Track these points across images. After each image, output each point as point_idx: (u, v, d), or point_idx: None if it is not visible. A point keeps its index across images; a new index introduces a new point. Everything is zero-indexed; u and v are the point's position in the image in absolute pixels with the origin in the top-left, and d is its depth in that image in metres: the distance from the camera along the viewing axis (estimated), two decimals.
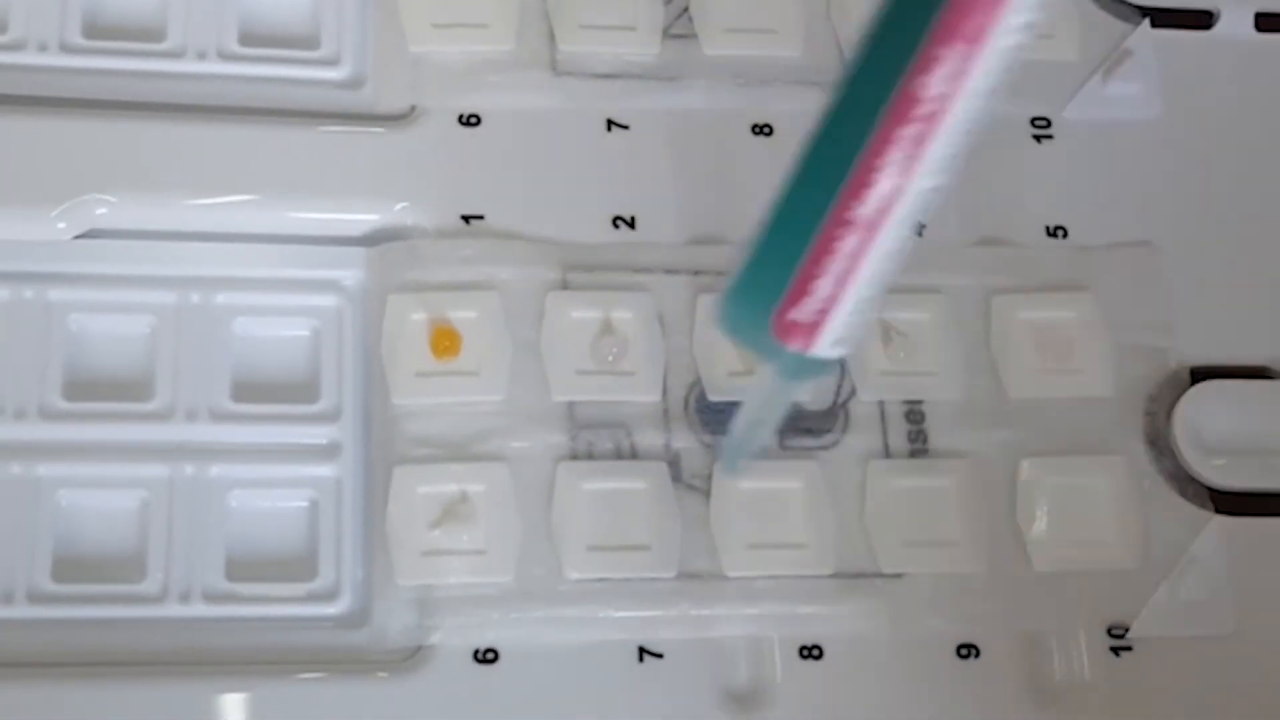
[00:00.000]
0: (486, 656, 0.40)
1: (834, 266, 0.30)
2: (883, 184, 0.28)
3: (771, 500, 0.42)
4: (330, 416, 0.42)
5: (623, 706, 0.40)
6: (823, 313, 0.30)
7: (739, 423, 0.36)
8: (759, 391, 0.34)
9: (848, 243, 0.29)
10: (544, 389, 0.43)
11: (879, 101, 0.27)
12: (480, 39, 0.46)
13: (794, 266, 0.30)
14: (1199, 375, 0.45)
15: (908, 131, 0.28)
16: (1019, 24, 0.27)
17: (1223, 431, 0.45)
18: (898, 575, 0.42)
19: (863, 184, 0.28)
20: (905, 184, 0.28)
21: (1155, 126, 0.48)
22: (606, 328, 0.43)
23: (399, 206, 0.44)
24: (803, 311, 0.30)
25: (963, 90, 0.27)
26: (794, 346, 0.31)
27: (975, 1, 0.26)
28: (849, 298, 0.30)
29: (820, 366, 0.31)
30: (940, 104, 0.27)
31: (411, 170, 0.45)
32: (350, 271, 0.44)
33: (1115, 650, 0.42)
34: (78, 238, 0.43)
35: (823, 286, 0.30)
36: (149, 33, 0.45)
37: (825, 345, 0.31)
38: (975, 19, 0.27)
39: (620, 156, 0.45)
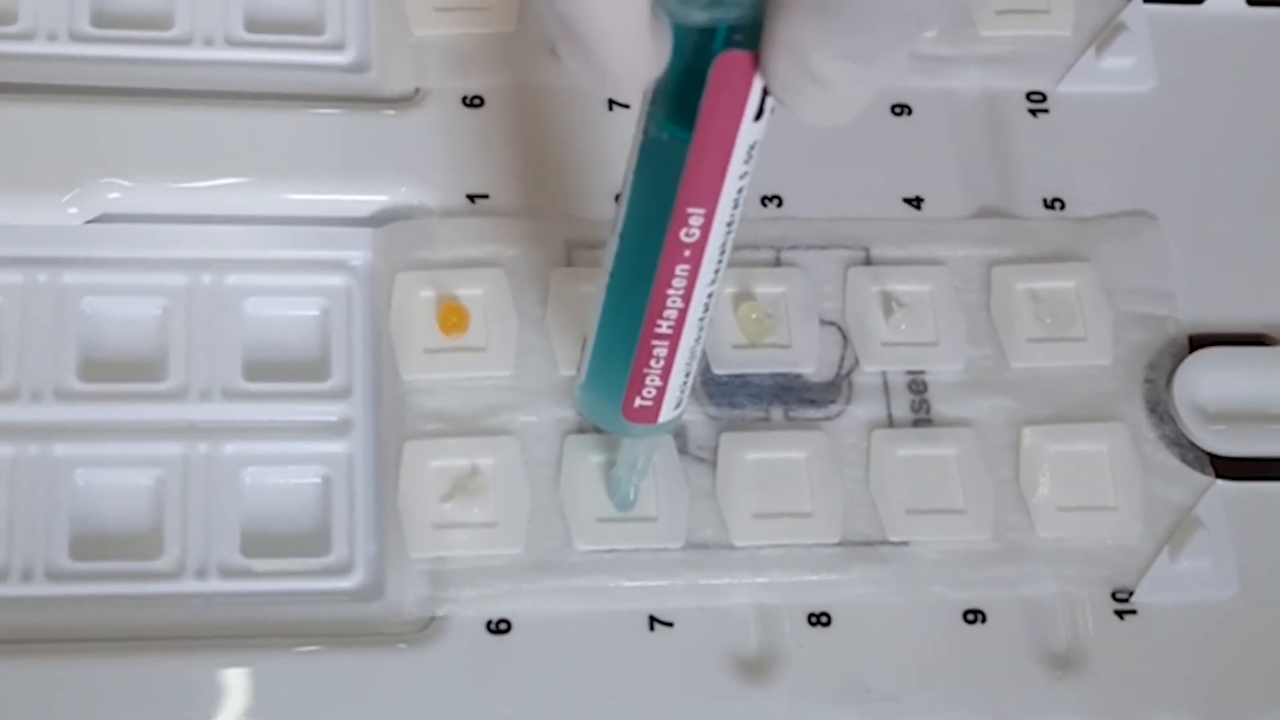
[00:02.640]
0: (499, 627, 0.41)
1: (656, 365, 0.37)
2: (675, 303, 0.36)
3: (777, 470, 0.43)
4: (341, 394, 0.43)
5: (634, 674, 0.41)
6: (658, 396, 0.38)
7: (619, 470, 0.42)
8: (628, 449, 0.41)
9: (662, 347, 0.37)
10: (551, 363, 0.43)
11: (656, 250, 0.35)
12: (482, 21, 0.46)
13: (626, 370, 0.38)
14: (1198, 342, 0.46)
15: (681, 267, 0.35)
16: (741, 173, 0.33)
17: (1222, 398, 0.45)
18: (904, 543, 0.43)
19: (660, 307, 0.36)
20: (691, 298, 0.36)
21: (1149, 99, 0.49)
22: None
23: (405, 187, 0.45)
24: (642, 399, 0.38)
25: (712, 228, 0.34)
26: (643, 424, 0.39)
27: (703, 176, 0.33)
28: (674, 380, 0.38)
29: (667, 426, 0.39)
30: (699, 240, 0.35)
31: (417, 151, 0.45)
32: (358, 251, 0.44)
33: (1119, 614, 0.43)
34: (89, 222, 0.44)
35: (652, 379, 0.38)
36: (156, 20, 0.46)
37: (665, 414, 0.39)
38: (708, 185, 0.34)
39: (622, 135, 0.45)
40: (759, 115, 0.32)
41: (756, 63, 0.31)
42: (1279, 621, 0.43)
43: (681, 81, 0.32)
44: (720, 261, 0.36)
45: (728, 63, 0.31)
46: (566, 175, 0.45)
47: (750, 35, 0.31)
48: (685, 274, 0.35)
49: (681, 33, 0.32)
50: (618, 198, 0.36)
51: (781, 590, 0.42)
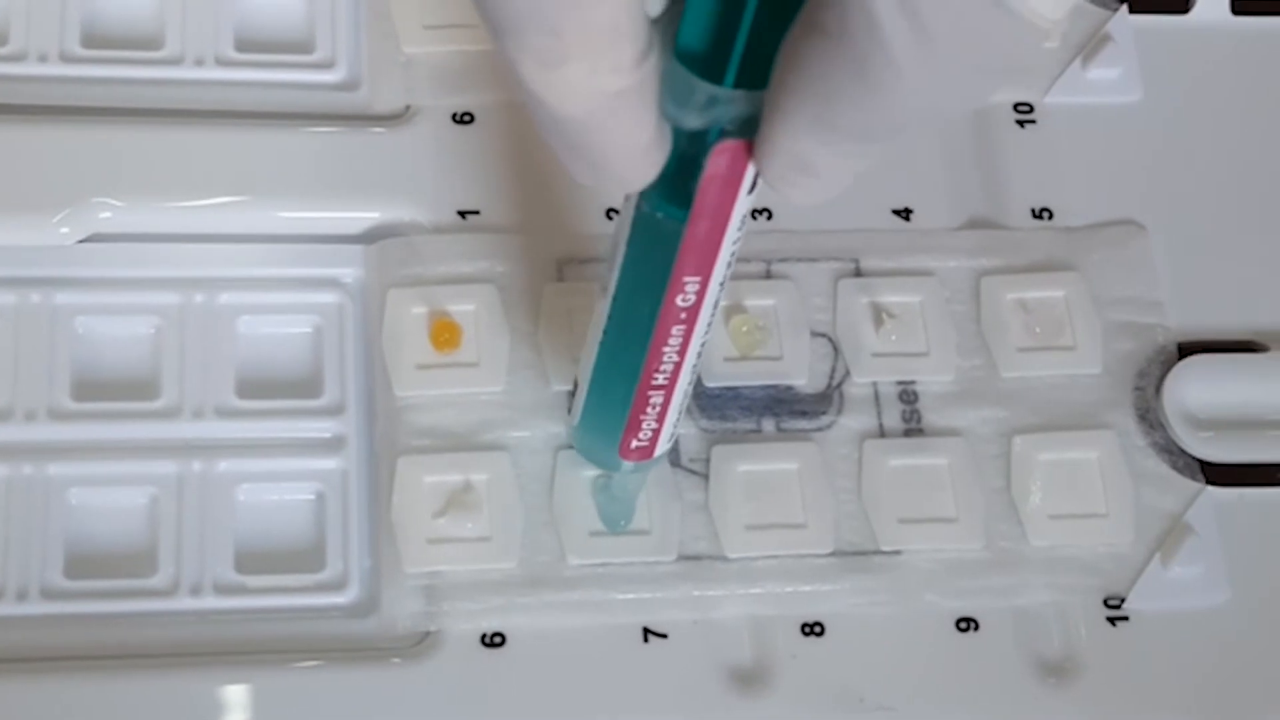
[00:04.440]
0: (494, 641, 0.41)
1: (653, 411, 0.38)
2: (671, 358, 0.37)
3: (769, 482, 0.43)
4: (334, 410, 0.43)
5: (629, 687, 0.41)
6: (654, 436, 0.39)
7: (613, 494, 0.42)
8: (620, 482, 0.41)
9: (658, 395, 0.38)
10: (543, 379, 0.43)
11: (651, 313, 0.36)
12: (471, 39, 0.47)
13: (622, 416, 0.39)
14: (1186, 350, 0.46)
15: (677, 328, 0.36)
16: (735, 240, 0.34)
17: (1211, 405, 0.45)
18: (896, 552, 0.43)
19: (657, 362, 0.37)
20: (686, 350, 0.37)
21: (1135, 109, 0.49)
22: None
23: (396, 204, 0.45)
24: (639, 440, 0.39)
25: (707, 292, 0.35)
26: (637, 462, 0.40)
27: (699, 250, 0.34)
28: (669, 421, 0.39)
29: (660, 459, 0.41)
30: (694, 303, 0.36)
31: (408, 168, 0.45)
32: (350, 269, 0.44)
33: (1111, 621, 0.43)
34: (81, 242, 0.44)
35: (649, 423, 0.39)
36: (147, 41, 0.46)
37: (660, 449, 0.40)
38: (703, 257, 0.34)
39: None
40: (751, 189, 0.33)
41: (750, 148, 0.32)
42: (1270, 627, 0.44)
43: (675, 167, 0.33)
44: (713, 315, 0.37)
45: (723, 151, 0.32)
46: (557, 191, 0.45)
47: (744, 124, 0.31)
48: (681, 333, 0.36)
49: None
50: (607, 263, 0.36)
51: (775, 601, 0.42)
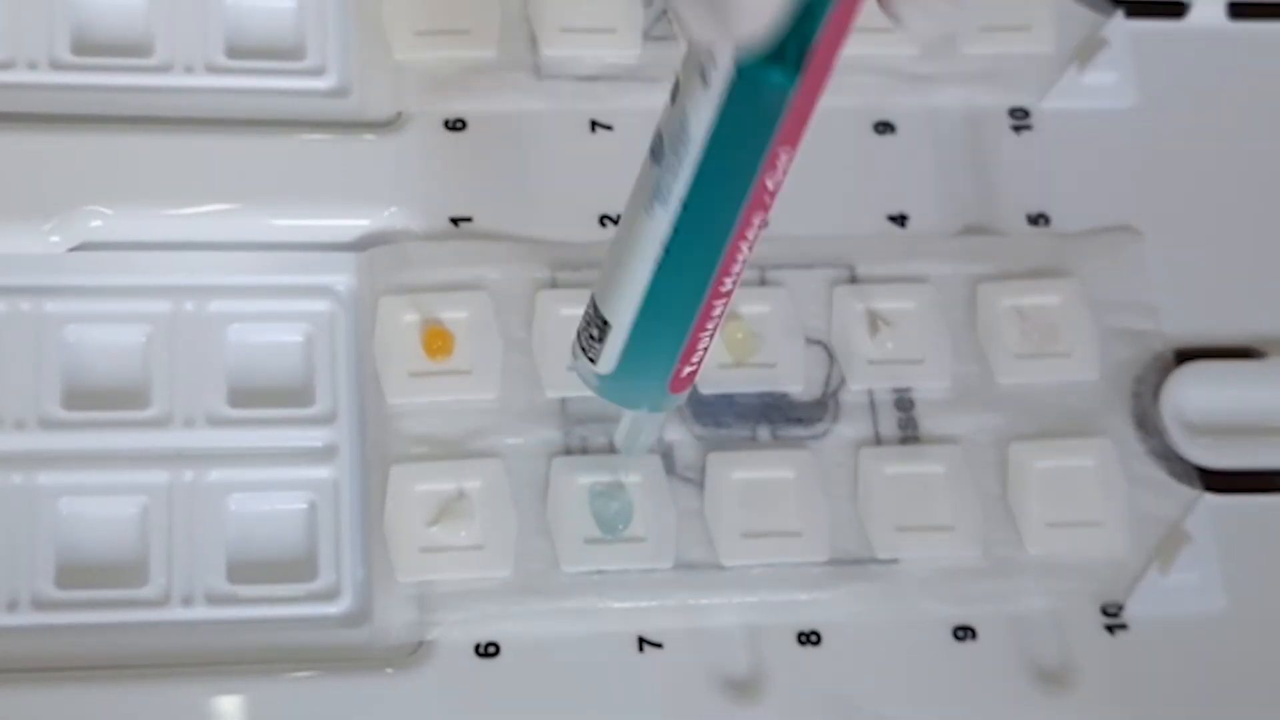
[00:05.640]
0: (488, 650, 0.41)
1: (711, 326, 0.36)
2: (742, 255, 0.35)
3: (765, 490, 0.43)
4: (326, 419, 0.43)
5: (624, 695, 0.41)
6: (702, 358, 0.38)
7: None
8: (634, 427, 0.40)
9: (721, 305, 0.36)
10: (536, 386, 0.43)
11: (733, 204, 0.34)
12: (463, 45, 0.46)
13: (679, 340, 0.36)
14: (1184, 356, 0.46)
15: (759, 215, 0.34)
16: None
17: (1209, 411, 0.45)
18: (892, 560, 0.42)
19: (730, 264, 0.35)
20: (753, 246, 0.35)
21: (1131, 114, 0.49)
22: None
23: (388, 211, 0.45)
24: (691, 365, 0.38)
25: (791, 165, 0.33)
26: (683, 392, 0.38)
27: (799, 114, 0.32)
28: (716, 340, 0.37)
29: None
30: (779, 182, 0.34)
31: (400, 175, 0.45)
32: (342, 276, 0.44)
33: (1109, 628, 0.43)
34: (72, 250, 0.44)
35: (703, 342, 0.37)
36: (137, 48, 0.46)
37: (698, 377, 0.38)
38: (801, 122, 0.32)
39: (604, 156, 0.46)
40: None
41: None
42: (1267, 634, 0.43)
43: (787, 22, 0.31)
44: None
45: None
46: (549, 197, 0.45)
47: None
48: (758, 222, 0.34)
49: None
50: (660, 173, 0.34)
51: (770, 609, 0.42)
